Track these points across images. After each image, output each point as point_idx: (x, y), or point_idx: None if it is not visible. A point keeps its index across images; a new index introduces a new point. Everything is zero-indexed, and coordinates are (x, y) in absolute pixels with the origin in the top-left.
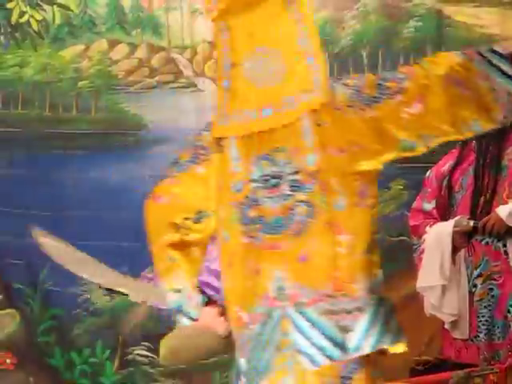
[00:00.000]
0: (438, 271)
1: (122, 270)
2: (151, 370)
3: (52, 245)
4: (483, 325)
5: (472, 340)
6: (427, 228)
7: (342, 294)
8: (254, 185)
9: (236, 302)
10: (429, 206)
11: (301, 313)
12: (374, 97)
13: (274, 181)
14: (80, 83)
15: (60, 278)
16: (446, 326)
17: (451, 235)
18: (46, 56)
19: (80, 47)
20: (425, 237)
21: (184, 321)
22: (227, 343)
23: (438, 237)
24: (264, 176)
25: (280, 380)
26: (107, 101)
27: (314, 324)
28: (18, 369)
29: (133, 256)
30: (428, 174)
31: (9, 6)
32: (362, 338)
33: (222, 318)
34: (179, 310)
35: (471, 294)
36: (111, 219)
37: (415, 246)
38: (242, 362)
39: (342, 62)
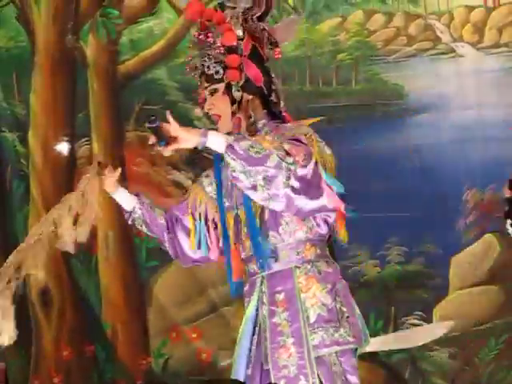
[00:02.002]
0: None
1: (392, 241)
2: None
3: None
4: None
5: None
6: None
7: None
8: None
9: None
10: None
11: None
12: None
13: None
14: (339, 56)
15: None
16: None
17: None
18: (303, 31)
19: (336, 20)
20: None
21: None
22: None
23: None
24: None
25: None
26: (367, 72)
27: None
28: None
29: (401, 226)
30: None
31: None
32: None
33: None
34: None
35: None
36: (379, 190)
37: None
38: None
39: None
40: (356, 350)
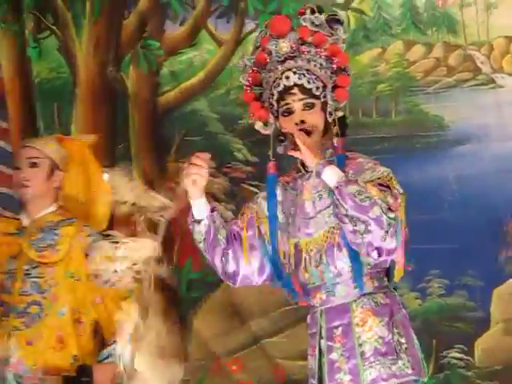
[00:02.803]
0: None
1: (433, 273)
2: (468, 373)
3: None
4: None
5: None
6: None
7: None
8: None
9: None
10: None
11: None
12: None
13: None
14: (379, 86)
15: None
16: None
17: None
18: None
19: (377, 50)
20: None
21: None
22: None
23: None
24: None
25: None
26: (407, 103)
27: None
28: None
29: (442, 258)
30: None
31: None
32: None
33: None
34: None
35: None
36: (417, 222)
37: None
38: None
39: None
40: (418, 381)
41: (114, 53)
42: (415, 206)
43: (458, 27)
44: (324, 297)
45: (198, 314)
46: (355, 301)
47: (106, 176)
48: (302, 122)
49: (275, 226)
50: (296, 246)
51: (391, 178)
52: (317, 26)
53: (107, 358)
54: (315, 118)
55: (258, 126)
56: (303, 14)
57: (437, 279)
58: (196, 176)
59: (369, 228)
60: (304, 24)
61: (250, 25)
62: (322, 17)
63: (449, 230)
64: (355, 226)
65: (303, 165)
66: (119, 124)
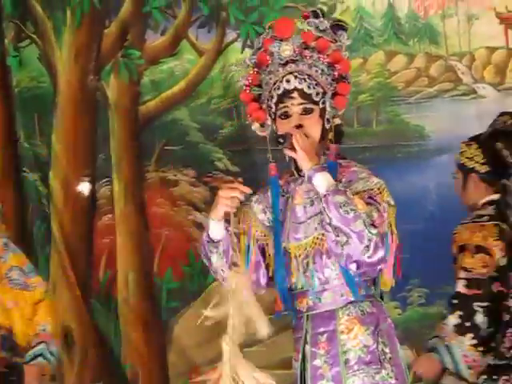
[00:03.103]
0: None
1: (413, 282)
2: None
3: None
4: None
5: None
6: None
7: None
8: None
9: None
10: None
11: None
12: None
13: None
14: (360, 97)
15: None
16: None
17: None
18: None
19: (358, 60)
20: None
21: None
22: None
23: None
24: None
25: None
26: (388, 113)
27: None
28: None
29: (422, 268)
30: None
31: None
32: None
33: None
34: None
35: None
36: (398, 231)
37: None
38: None
39: None
40: None
41: (95, 62)
42: (396, 216)
43: (439, 38)
44: (310, 302)
45: (178, 323)
46: (341, 308)
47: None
48: (299, 126)
49: (279, 228)
50: (285, 249)
51: (383, 190)
52: (321, 31)
53: (34, 358)
54: (312, 124)
55: (255, 127)
56: (307, 17)
57: (417, 288)
58: (228, 202)
59: (349, 240)
60: (308, 28)
61: (231, 35)
62: (327, 22)
63: (429, 239)
64: (337, 236)
65: (297, 169)
66: (100, 133)
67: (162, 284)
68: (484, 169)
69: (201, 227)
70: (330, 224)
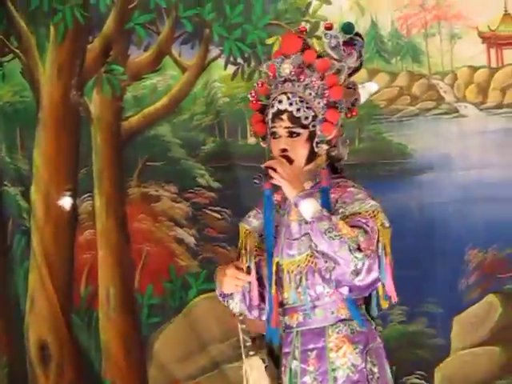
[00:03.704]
0: None
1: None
2: None
3: None
4: None
5: None
6: None
7: None
8: None
9: None
10: None
11: None
12: None
13: None
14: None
15: None
16: None
17: None
18: None
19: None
20: None
21: None
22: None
23: None
24: None
25: None
26: (370, 131)
27: None
28: None
29: (403, 286)
30: None
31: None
32: None
33: None
34: None
35: None
36: None
37: None
38: None
39: None
40: None
41: (78, 77)
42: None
43: (422, 57)
44: (301, 318)
45: (159, 339)
46: (332, 325)
47: None
48: (284, 150)
49: (271, 243)
50: (278, 265)
51: (378, 213)
52: (332, 47)
53: None
54: (298, 147)
55: (251, 141)
56: (330, 29)
57: (397, 306)
58: (235, 283)
59: (336, 266)
60: (325, 40)
61: (214, 51)
62: (341, 38)
63: (410, 258)
64: (326, 262)
65: None
66: (82, 148)
67: (143, 299)
68: None
69: (182, 243)
70: (317, 250)
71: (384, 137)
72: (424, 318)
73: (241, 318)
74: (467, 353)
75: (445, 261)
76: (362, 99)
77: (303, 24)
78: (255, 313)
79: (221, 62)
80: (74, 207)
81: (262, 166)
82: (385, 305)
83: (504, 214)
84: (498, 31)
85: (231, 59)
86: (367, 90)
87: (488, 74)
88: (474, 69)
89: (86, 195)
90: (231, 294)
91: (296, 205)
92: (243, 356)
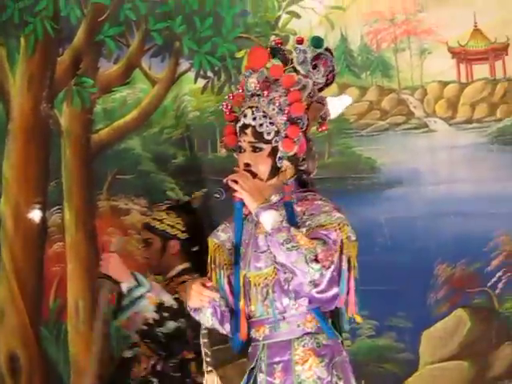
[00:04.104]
0: None
1: (362, 314)
2: None
3: None
4: None
5: None
6: None
7: None
8: None
9: None
10: None
11: None
12: None
13: None
14: (312, 128)
15: None
16: None
17: None
18: None
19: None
20: None
21: None
22: None
23: None
24: None
25: None
26: (340, 145)
27: None
28: None
29: (371, 300)
30: None
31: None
32: None
33: None
34: None
35: None
36: None
37: None
38: None
39: None
40: None
41: (48, 89)
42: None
43: (391, 71)
44: (267, 331)
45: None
46: (297, 339)
47: None
48: (247, 164)
49: (240, 256)
50: (245, 277)
51: (344, 226)
52: (300, 63)
53: None
54: (260, 162)
55: (222, 152)
56: (301, 43)
57: (366, 320)
58: (200, 298)
59: (294, 277)
60: (294, 55)
61: (184, 64)
62: (310, 53)
63: (379, 272)
64: (285, 273)
65: None
66: (52, 161)
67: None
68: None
69: None
70: (276, 262)
71: (353, 151)
72: (393, 332)
73: (203, 331)
74: (436, 367)
75: (414, 275)
76: (337, 112)
77: (273, 37)
78: (227, 327)
79: (191, 75)
80: (44, 220)
81: (224, 180)
82: (359, 318)
83: (473, 228)
84: (467, 46)
85: (201, 73)
86: (342, 102)
87: (458, 89)
88: (444, 84)
89: (55, 208)
90: (199, 308)
91: (257, 216)
92: (204, 370)
